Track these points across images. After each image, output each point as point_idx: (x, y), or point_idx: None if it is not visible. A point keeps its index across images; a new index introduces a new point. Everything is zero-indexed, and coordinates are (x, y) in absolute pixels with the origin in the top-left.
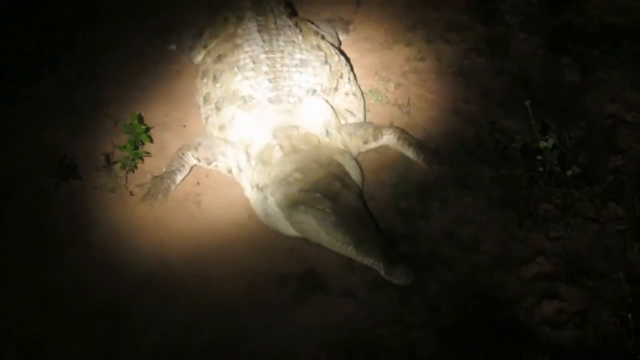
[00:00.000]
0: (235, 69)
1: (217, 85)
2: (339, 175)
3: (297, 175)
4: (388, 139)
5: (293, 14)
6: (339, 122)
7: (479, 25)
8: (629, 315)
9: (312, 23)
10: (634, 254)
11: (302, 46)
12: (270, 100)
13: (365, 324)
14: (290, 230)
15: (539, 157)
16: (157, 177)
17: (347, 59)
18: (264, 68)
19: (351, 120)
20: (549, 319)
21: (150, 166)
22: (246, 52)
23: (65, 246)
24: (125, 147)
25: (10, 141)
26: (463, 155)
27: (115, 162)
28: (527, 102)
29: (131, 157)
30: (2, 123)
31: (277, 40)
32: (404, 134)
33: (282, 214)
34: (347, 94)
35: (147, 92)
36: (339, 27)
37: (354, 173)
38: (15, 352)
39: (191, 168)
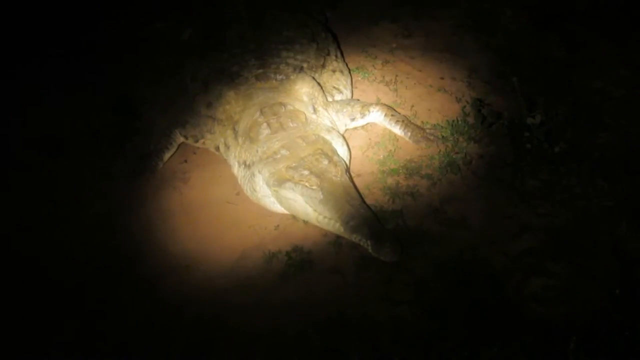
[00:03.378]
0: (223, 46)
1: (205, 62)
2: (326, 152)
3: (284, 152)
4: (375, 116)
5: None
6: (326, 99)
7: (466, 1)
8: (617, 291)
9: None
10: (621, 230)
11: (289, 23)
12: (257, 78)
13: (353, 301)
14: (278, 207)
15: (526, 134)
16: (144, 154)
17: (334, 36)
18: (251, 45)
19: (338, 97)
20: (536, 295)
21: (137, 144)
22: (233, 29)
23: (53, 224)
24: (113, 124)
25: None
26: (450, 132)
27: (103, 140)
28: (514, 79)
29: (119, 135)
30: None
31: (265, 17)
32: (390, 110)
33: (270, 191)
34: (334, 71)
35: (135, 69)
36: (325, 4)
37: (341, 150)
38: (3, 328)
39: (178, 146)
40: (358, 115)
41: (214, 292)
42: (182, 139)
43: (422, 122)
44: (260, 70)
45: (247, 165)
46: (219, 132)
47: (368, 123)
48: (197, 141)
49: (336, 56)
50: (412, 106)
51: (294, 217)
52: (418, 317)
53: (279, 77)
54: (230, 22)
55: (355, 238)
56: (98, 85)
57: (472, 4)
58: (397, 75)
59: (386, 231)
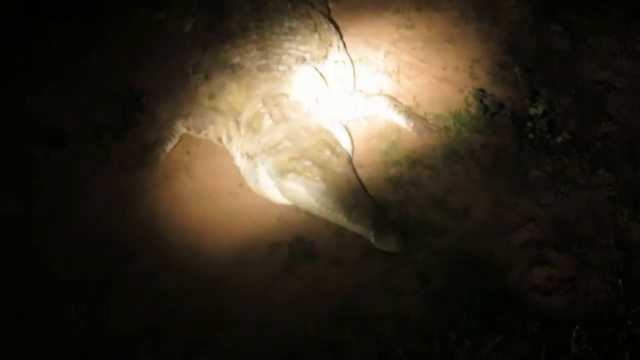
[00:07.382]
0: (225, 37)
1: (207, 54)
2: (329, 143)
3: (287, 143)
4: (378, 106)
5: None
6: (329, 90)
7: None
8: (619, 281)
9: None
10: (624, 221)
11: (291, 14)
12: (259, 69)
13: (355, 292)
14: (280, 198)
15: (528, 124)
16: (146, 146)
17: (337, 27)
18: (254, 36)
19: (341, 88)
20: (539, 286)
21: (140, 135)
22: (235, 20)
23: (55, 216)
24: (115, 116)
25: None
26: (452, 123)
27: (105, 132)
28: (517, 69)
29: (121, 126)
30: None
31: (267, 8)
32: (393, 101)
33: (272, 182)
34: (336, 62)
35: (137, 61)
36: None
37: (344, 141)
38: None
39: (181, 137)
40: (361, 106)
41: (216, 283)
42: (184, 131)
43: (425, 112)
44: (263, 61)
45: (249, 157)
46: (222, 123)
47: (370, 114)
48: (199, 132)
49: (338, 47)
50: (415, 97)
51: (296, 208)
52: (421, 307)
53: (281, 68)
54: (232, 13)
55: (358, 229)
56: (100, 77)
57: None
58: (399, 66)
59: (389, 222)
